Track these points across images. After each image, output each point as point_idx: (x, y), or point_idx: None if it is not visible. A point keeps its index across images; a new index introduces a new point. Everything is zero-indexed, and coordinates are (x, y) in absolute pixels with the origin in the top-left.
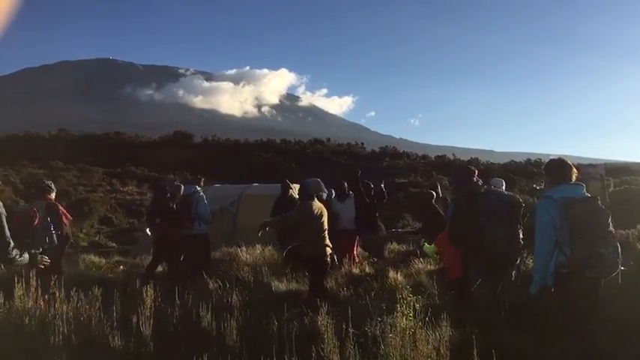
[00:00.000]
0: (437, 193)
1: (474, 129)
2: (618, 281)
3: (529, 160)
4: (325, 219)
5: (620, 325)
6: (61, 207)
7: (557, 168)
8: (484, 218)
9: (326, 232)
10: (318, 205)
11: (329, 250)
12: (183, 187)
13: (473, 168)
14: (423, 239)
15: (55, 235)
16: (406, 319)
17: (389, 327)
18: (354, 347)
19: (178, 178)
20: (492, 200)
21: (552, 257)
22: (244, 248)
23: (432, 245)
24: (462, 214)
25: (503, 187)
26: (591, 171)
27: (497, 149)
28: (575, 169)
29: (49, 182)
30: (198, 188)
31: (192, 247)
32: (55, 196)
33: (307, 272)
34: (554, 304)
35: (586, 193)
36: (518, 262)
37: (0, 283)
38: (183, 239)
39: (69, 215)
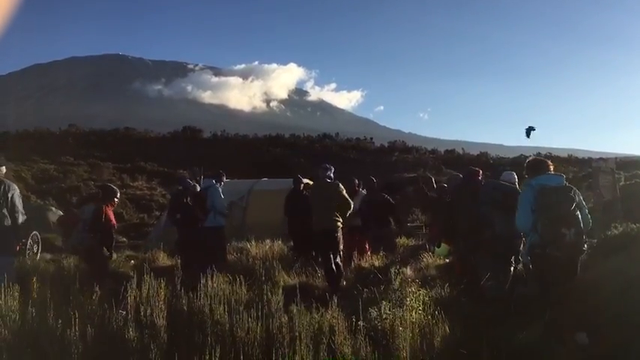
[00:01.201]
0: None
1: (484, 123)
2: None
3: (539, 153)
4: (335, 199)
5: (626, 323)
6: (109, 212)
7: (535, 164)
8: (485, 207)
9: (335, 210)
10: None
11: (340, 225)
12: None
13: (477, 169)
14: (435, 244)
15: (93, 239)
16: (415, 313)
17: (399, 320)
18: (364, 340)
19: (189, 173)
20: (488, 190)
21: (529, 236)
22: (253, 243)
23: (443, 246)
24: (465, 209)
25: (515, 180)
26: (602, 165)
27: (506, 143)
28: (551, 164)
29: (114, 189)
30: (214, 182)
31: (207, 239)
32: (114, 199)
33: (319, 250)
34: (562, 297)
35: (562, 183)
36: (521, 248)
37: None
38: (199, 232)
39: (114, 220)
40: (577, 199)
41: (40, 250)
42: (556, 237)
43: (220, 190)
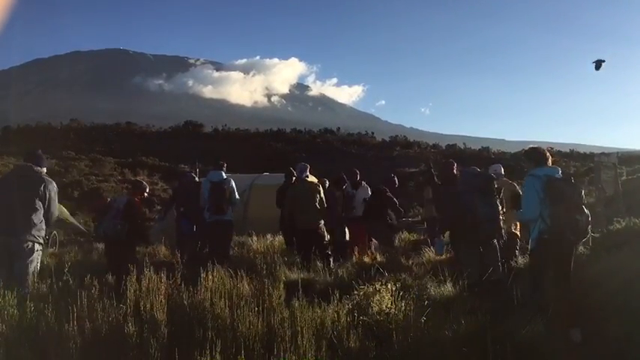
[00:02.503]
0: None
1: (485, 117)
2: (589, 244)
3: None
4: (318, 197)
5: (629, 318)
6: (140, 206)
7: (537, 154)
8: (465, 195)
9: (317, 207)
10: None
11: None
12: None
13: (451, 160)
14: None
15: (123, 227)
16: (418, 307)
17: (401, 315)
18: (366, 335)
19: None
20: (468, 178)
21: (536, 224)
22: (255, 237)
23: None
24: (446, 199)
25: (502, 172)
26: (604, 160)
27: (508, 138)
28: (550, 155)
29: (144, 184)
30: (226, 175)
31: (222, 231)
32: (144, 193)
33: (304, 247)
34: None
35: (561, 174)
36: (503, 232)
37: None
38: (217, 224)
39: (144, 212)
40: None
41: (56, 250)
42: (571, 223)
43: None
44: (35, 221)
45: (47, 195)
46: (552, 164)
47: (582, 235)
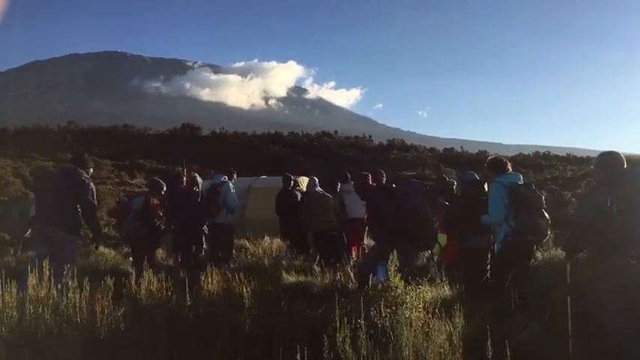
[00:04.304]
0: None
1: (483, 121)
2: (550, 244)
3: (537, 152)
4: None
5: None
6: (155, 203)
7: (498, 163)
8: (414, 199)
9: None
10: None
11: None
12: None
13: (365, 173)
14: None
15: (142, 228)
16: (417, 311)
17: (400, 318)
18: (366, 338)
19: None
20: (417, 184)
21: (502, 228)
22: (252, 240)
23: (441, 236)
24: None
25: (476, 178)
26: None
27: (505, 141)
28: (509, 164)
29: (161, 183)
30: (226, 178)
31: (216, 235)
32: (161, 192)
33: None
34: (564, 294)
35: (522, 180)
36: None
37: (13, 273)
38: (210, 227)
39: (159, 211)
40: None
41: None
42: (532, 226)
43: (232, 187)
44: (74, 217)
45: (85, 194)
46: (513, 171)
47: (542, 237)
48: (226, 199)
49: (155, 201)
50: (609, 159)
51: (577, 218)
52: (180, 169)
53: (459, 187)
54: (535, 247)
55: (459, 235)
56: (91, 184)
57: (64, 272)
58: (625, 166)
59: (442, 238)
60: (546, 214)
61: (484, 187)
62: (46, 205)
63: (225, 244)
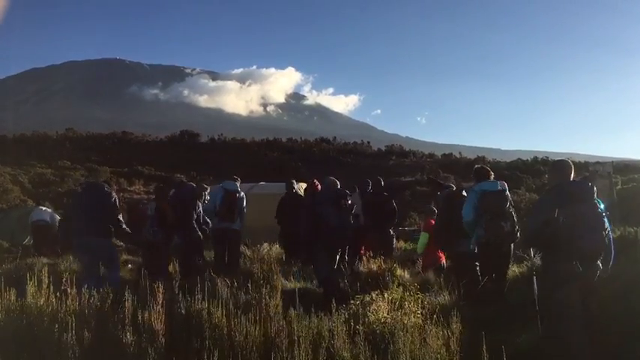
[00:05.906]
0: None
1: (481, 127)
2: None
3: (536, 158)
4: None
5: (622, 326)
6: (166, 209)
7: (479, 172)
8: (320, 206)
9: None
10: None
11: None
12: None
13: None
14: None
15: (158, 233)
16: (414, 317)
17: (399, 324)
18: (364, 344)
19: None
20: (328, 193)
21: (476, 231)
22: (251, 246)
23: (423, 234)
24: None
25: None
26: (599, 169)
27: (504, 147)
28: (491, 171)
29: (165, 189)
30: (238, 185)
31: (230, 241)
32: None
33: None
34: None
35: (499, 188)
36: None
37: (12, 280)
38: (225, 231)
39: (169, 216)
40: (510, 200)
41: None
42: (496, 229)
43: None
44: (106, 226)
45: (112, 205)
46: (495, 179)
47: (508, 239)
48: (242, 207)
49: (165, 206)
50: (559, 166)
51: (529, 224)
52: (180, 175)
53: (439, 201)
54: (511, 247)
55: (445, 242)
56: (113, 194)
57: (114, 271)
58: (572, 172)
59: (423, 237)
60: (513, 218)
61: (462, 195)
62: (81, 217)
63: (236, 250)
